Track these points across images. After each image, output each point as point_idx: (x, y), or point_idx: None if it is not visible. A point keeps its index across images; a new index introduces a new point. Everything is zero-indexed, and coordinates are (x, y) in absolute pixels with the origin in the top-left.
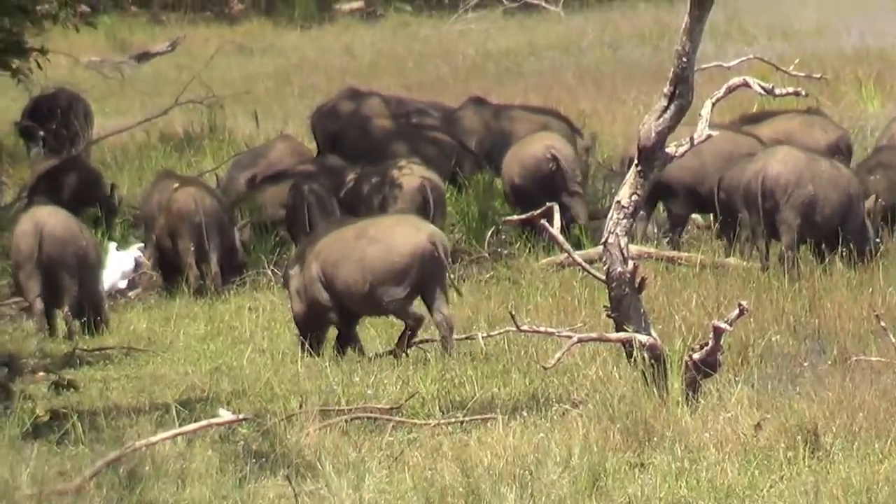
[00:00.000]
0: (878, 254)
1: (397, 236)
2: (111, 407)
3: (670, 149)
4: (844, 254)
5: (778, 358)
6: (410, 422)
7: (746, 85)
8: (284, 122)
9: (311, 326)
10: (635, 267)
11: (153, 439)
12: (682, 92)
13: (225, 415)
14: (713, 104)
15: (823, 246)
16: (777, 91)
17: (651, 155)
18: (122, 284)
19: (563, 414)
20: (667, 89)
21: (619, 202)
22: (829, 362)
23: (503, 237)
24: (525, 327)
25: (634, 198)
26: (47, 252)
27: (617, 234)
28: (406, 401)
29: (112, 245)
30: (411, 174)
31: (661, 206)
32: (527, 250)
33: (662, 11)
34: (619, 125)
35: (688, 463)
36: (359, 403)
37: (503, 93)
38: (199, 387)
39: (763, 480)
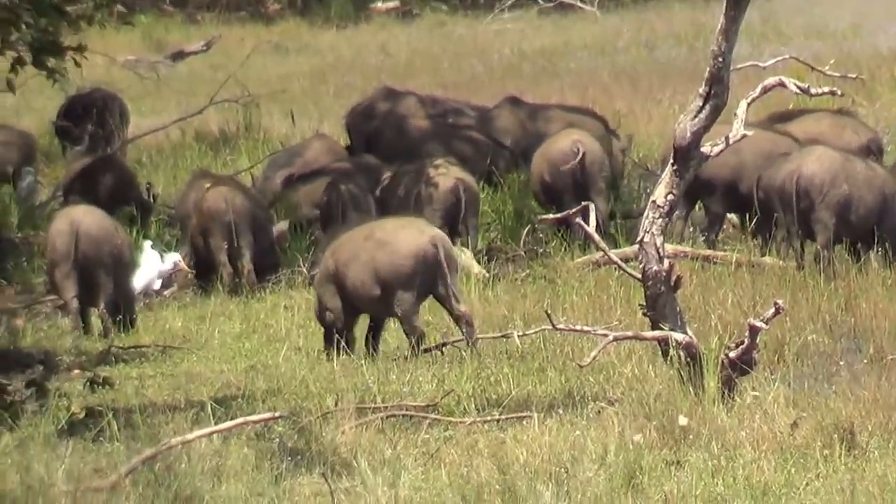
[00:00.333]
0: None
1: (400, 239)
2: (147, 404)
3: (705, 148)
4: (880, 253)
5: (814, 356)
6: (446, 419)
7: (782, 85)
8: (320, 121)
9: (334, 325)
10: (671, 266)
11: (189, 437)
12: (717, 92)
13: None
14: (749, 104)
15: (859, 245)
16: (813, 91)
17: (686, 154)
18: (158, 284)
19: (599, 412)
20: (702, 89)
21: (654, 201)
22: (865, 361)
23: (539, 236)
24: (561, 326)
25: (670, 197)
26: (83, 251)
27: (653, 233)
28: (442, 398)
29: (147, 244)
30: (445, 174)
31: (697, 206)
32: (562, 249)
33: (698, 11)
34: (655, 125)
35: (724, 461)
36: (395, 401)
37: (539, 92)
38: (234, 384)
39: (799, 478)
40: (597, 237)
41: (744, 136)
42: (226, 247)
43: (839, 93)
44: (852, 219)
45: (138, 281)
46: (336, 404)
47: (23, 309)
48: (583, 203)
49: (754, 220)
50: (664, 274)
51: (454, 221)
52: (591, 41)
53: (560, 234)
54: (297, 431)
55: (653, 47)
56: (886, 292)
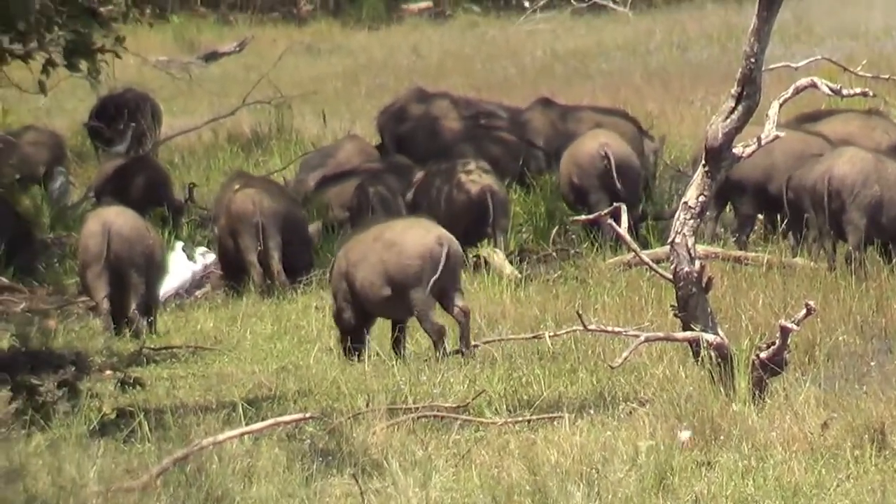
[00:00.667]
0: None
1: (407, 239)
2: (178, 405)
3: (737, 149)
4: None
5: (845, 357)
6: (477, 420)
7: (814, 85)
8: (352, 122)
9: (350, 325)
10: (702, 267)
11: (220, 437)
12: (749, 93)
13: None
14: (781, 105)
15: (890, 246)
16: (845, 92)
17: (718, 156)
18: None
19: (630, 413)
20: (734, 90)
21: (686, 203)
22: None
23: (571, 236)
24: (592, 326)
25: (701, 198)
26: (115, 252)
27: (684, 234)
28: (473, 399)
29: (179, 245)
30: (474, 178)
31: (728, 207)
32: (594, 249)
33: (730, 12)
34: (687, 126)
35: (755, 461)
36: (426, 402)
37: (571, 94)
38: (265, 385)
39: (830, 479)
40: (628, 238)
41: (776, 137)
42: (256, 248)
43: (871, 94)
44: (883, 220)
45: (172, 282)
46: (367, 405)
47: (55, 310)
48: (614, 204)
49: (785, 221)
50: (695, 275)
51: (482, 226)
52: (623, 42)
53: (591, 235)
54: (328, 432)
55: (685, 48)
56: None
